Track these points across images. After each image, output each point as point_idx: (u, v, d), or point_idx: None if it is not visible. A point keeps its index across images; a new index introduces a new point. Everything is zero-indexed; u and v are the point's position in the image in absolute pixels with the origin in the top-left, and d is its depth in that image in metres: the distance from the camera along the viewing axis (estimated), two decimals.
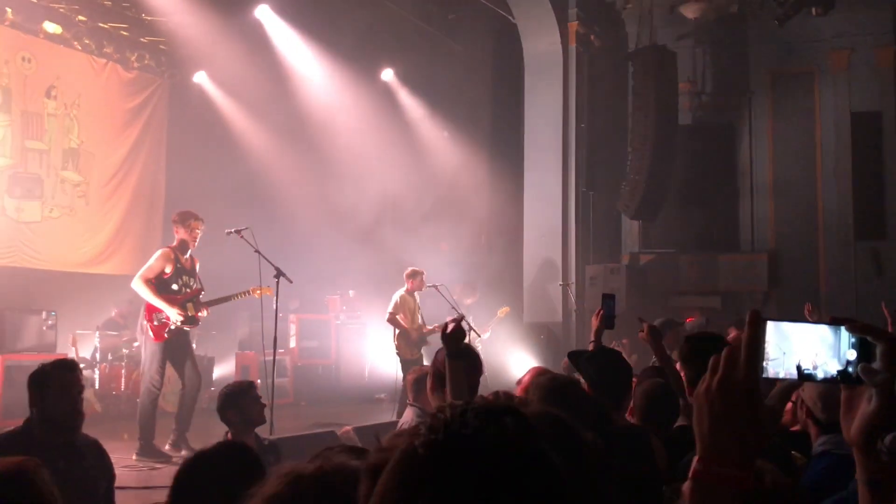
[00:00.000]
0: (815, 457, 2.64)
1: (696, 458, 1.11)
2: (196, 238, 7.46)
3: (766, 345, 1.15)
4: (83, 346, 10.12)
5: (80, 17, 11.31)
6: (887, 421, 1.14)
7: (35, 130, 11.06)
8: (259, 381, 9.58)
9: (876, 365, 1.13)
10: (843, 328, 1.17)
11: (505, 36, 13.44)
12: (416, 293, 9.34)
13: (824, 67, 13.18)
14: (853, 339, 1.16)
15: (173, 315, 7.21)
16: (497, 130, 14.10)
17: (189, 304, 7.37)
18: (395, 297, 9.28)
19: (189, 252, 7.52)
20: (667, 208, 12.82)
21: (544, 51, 12.51)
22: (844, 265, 12.69)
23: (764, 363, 1.15)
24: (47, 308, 9.47)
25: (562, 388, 3.39)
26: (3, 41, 10.63)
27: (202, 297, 7.54)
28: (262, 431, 4.95)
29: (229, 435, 4.47)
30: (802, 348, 1.17)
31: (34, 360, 6.13)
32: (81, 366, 8.94)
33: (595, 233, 12.98)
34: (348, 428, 6.51)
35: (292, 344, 12.02)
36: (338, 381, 12.32)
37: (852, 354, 1.16)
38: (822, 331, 1.18)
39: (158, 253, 7.47)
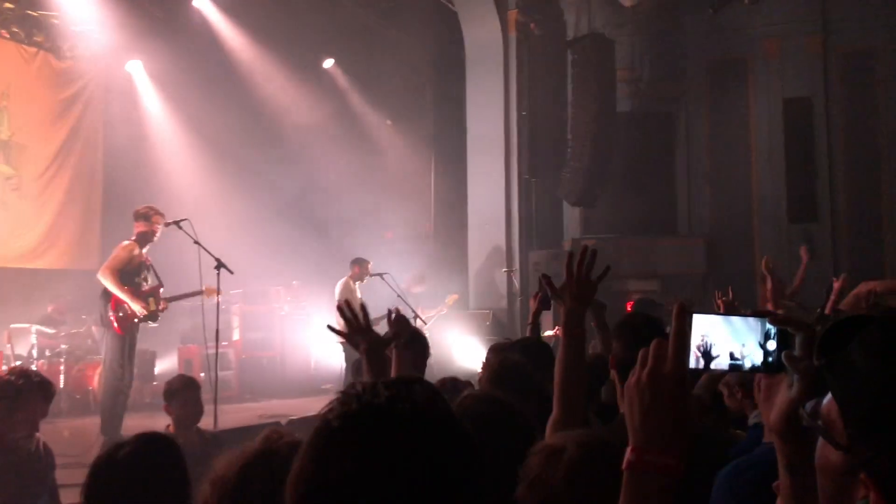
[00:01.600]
0: (751, 427, 2.77)
1: (628, 449, 1.15)
2: (157, 232, 7.38)
3: (707, 337, 1.21)
4: (19, 343, 9.87)
5: (8, 5, 10.93)
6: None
7: None
8: (202, 374, 9.49)
9: (796, 353, 1.20)
10: (765, 319, 1.23)
11: (446, 23, 13.45)
12: (359, 282, 9.33)
13: (757, 55, 13.52)
14: (774, 330, 1.22)
15: (137, 308, 7.13)
16: (440, 118, 14.13)
17: (151, 299, 7.31)
18: (339, 284, 9.25)
19: (147, 247, 7.42)
20: (607, 194, 13.02)
21: (485, 39, 12.56)
22: (778, 247, 13.05)
23: (704, 353, 1.21)
24: None
25: (508, 370, 3.46)
26: None
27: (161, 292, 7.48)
28: (207, 425, 4.94)
29: (170, 427, 4.47)
30: (728, 339, 1.22)
31: None
32: (18, 363, 8.77)
33: (538, 219, 13.13)
34: (295, 419, 6.50)
35: (236, 336, 11.89)
36: (283, 373, 12.22)
37: (772, 344, 1.22)
38: (746, 322, 1.23)
39: (123, 245, 7.33)
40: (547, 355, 3.70)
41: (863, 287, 2.50)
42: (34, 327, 9.97)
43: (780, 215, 13.12)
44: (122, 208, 9.48)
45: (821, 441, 1.08)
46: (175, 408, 4.51)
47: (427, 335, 9.12)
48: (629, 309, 8.46)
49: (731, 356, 1.22)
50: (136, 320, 7.20)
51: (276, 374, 12.17)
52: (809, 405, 1.13)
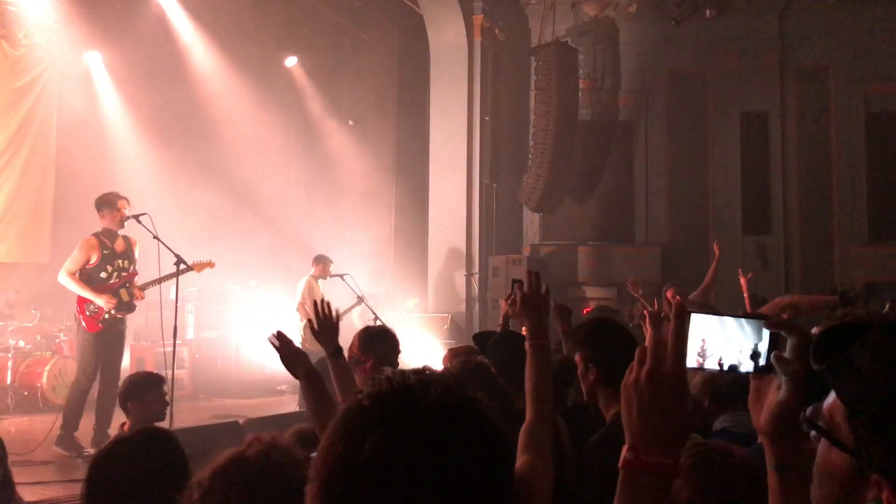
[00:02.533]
0: (715, 433, 2.80)
1: (625, 448, 1.15)
2: (124, 217, 7.11)
3: (702, 338, 1.22)
4: None
5: None
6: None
7: None
8: (160, 374, 9.30)
9: (787, 356, 1.21)
10: (758, 322, 1.25)
11: (411, 26, 13.45)
12: (321, 280, 9.26)
13: (716, 69, 13.76)
14: (766, 333, 1.24)
15: (103, 303, 6.96)
16: (403, 120, 14.11)
17: (121, 291, 7.12)
18: (302, 284, 9.17)
19: (119, 234, 7.22)
20: (566, 202, 13.15)
21: (449, 43, 12.59)
22: (732, 258, 13.29)
23: (699, 353, 1.22)
24: None
25: (472, 371, 3.45)
26: None
27: (137, 280, 7.27)
28: (162, 423, 4.83)
29: (126, 426, 4.36)
30: (724, 341, 1.24)
31: None
32: None
33: (498, 224, 13.19)
34: (255, 418, 6.42)
35: (190, 335, 11.70)
36: (238, 373, 12.06)
37: (763, 346, 1.23)
38: (741, 324, 1.25)
39: (81, 243, 7.12)
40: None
41: (780, 300, 2.65)
42: None
43: (734, 226, 13.37)
44: (75, 202, 9.30)
45: (823, 445, 1.09)
46: (138, 405, 4.38)
47: None
48: (584, 315, 8.56)
49: (726, 357, 1.23)
50: (107, 316, 7.03)
51: (231, 373, 12.00)
52: (808, 410, 1.15)
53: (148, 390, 4.48)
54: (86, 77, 12.21)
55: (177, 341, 8.58)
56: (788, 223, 13.36)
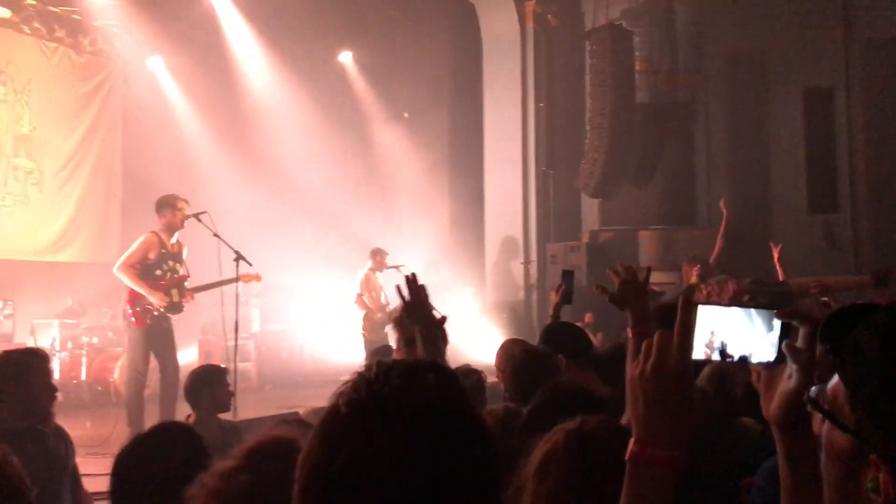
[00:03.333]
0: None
1: (632, 441, 1.15)
2: (183, 218, 7.28)
3: (710, 330, 1.21)
4: (42, 336, 9.98)
5: (30, 1, 11.05)
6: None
7: None
8: (224, 366, 9.56)
9: (799, 345, 1.20)
10: (768, 312, 1.23)
11: (463, 15, 13.43)
12: (378, 273, 9.36)
13: (777, 45, 13.38)
14: (777, 323, 1.22)
15: (156, 301, 7.10)
16: (457, 110, 14.12)
17: (173, 291, 7.24)
18: (360, 276, 9.29)
19: (176, 236, 7.39)
20: (625, 186, 12.97)
21: (502, 30, 12.54)
22: (798, 238, 12.95)
23: (709, 346, 1.21)
24: (4, 297, 9.33)
25: (533, 359, 3.46)
26: None
27: (188, 283, 7.41)
28: (226, 415, 4.97)
29: (191, 418, 4.49)
30: (734, 331, 1.23)
31: None
32: None
33: (555, 211, 13.10)
34: (311, 409, 6.52)
35: (256, 328, 11.97)
36: (302, 365, 12.31)
37: (774, 337, 1.22)
38: (752, 314, 1.23)
39: (141, 238, 7.29)
40: (574, 338, 3.68)
41: (807, 280, 2.62)
42: (56, 321, 10.09)
43: (799, 205, 13.01)
44: (142, 202, 9.55)
45: (827, 426, 1.09)
46: (203, 398, 4.51)
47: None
48: None
49: (735, 349, 1.22)
50: (155, 313, 7.19)
51: (296, 365, 12.26)
52: (813, 390, 1.13)
53: (212, 382, 4.59)
54: (148, 80, 12.56)
55: (243, 335, 8.83)
56: (856, 201, 12.94)
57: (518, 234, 12.23)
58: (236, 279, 7.32)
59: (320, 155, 13.07)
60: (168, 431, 2.46)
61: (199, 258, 7.63)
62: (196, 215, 7.25)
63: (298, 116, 13.04)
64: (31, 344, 9.06)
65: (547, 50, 12.99)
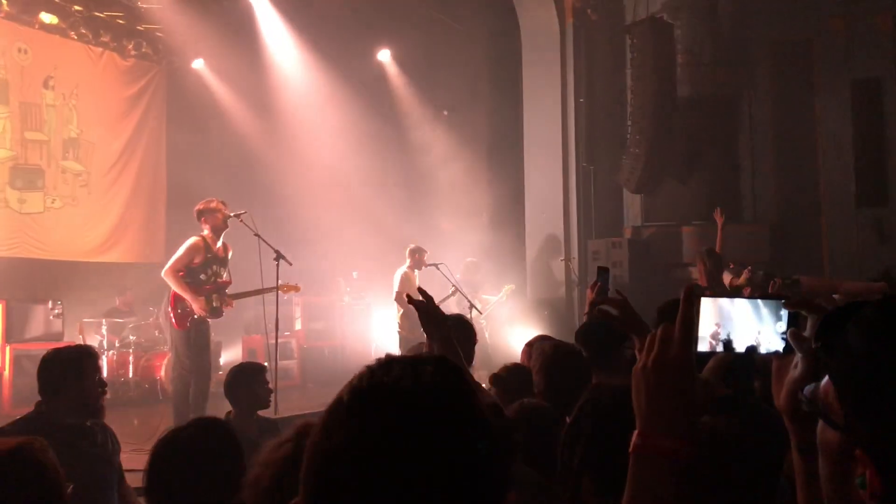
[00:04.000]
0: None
1: (635, 433, 1.16)
2: (225, 218, 7.38)
3: (715, 322, 1.20)
4: (90, 335, 10.21)
5: (76, 7, 11.30)
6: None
7: (34, 121, 11.10)
8: (266, 363, 9.68)
9: (807, 335, 1.19)
10: (777, 302, 1.22)
11: (501, 12, 13.38)
12: (417, 271, 9.39)
13: (823, 35, 13.09)
14: (785, 313, 1.21)
15: (196, 307, 7.24)
16: (496, 107, 14.08)
17: (214, 296, 7.37)
18: (399, 274, 9.33)
19: (222, 239, 7.50)
20: (668, 181, 12.81)
21: (541, 26, 12.47)
22: (846, 233, 12.67)
23: (710, 337, 1.20)
24: (53, 297, 9.55)
25: (564, 355, 3.44)
26: (0, 33, 10.64)
27: (230, 289, 7.52)
28: (266, 412, 5.02)
29: (231, 414, 4.55)
30: (742, 323, 1.22)
31: (42, 349, 6.20)
32: None
33: (596, 207, 12.98)
34: None
35: (298, 326, 12.10)
36: (344, 362, 12.39)
37: (782, 327, 1.21)
38: (759, 305, 1.22)
39: (188, 243, 7.41)
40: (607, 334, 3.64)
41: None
42: (104, 320, 10.30)
43: (847, 199, 12.72)
44: (186, 203, 9.70)
45: (821, 423, 1.11)
46: (242, 394, 4.57)
47: (483, 324, 9.12)
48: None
49: (741, 340, 1.22)
50: (195, 316, 7.29)
51: (337, 362, 12.35)
52: (808, 389, 1.14)
53: (250, 379, 4.65)
54: (191, 83, 12.76)
55: (285, 332, 8.92)
56: None
57: (559, 230, 12.16)
58: (276, 288, 7.42)
59: (360, 153, 13.14)
60: (203, 427, 2.48)
61: (240, 257, 7.72)
62: (237, 215, 7.35)
63: (338, 116, 13.14)
64: (79, 342, 9.26)
65: (587, 45, 12.88)
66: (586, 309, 4.23)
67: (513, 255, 12.62)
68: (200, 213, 7.45)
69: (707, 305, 1.20)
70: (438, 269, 9.24)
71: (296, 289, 7.75)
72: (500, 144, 13.50)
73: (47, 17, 11.03)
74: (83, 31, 11.55)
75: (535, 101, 12.48)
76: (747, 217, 13.51)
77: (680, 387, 1.14)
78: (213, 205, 7.42)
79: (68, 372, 3.61)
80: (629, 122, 12.39)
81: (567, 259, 11.96)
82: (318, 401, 9.45)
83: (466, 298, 9.12)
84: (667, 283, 10.27)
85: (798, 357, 1.21)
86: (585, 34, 12.86)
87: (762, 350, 1.23)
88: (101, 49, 11.87)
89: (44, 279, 10.56)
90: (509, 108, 13.23)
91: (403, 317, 9.23)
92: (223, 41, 11.79)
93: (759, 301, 1.23)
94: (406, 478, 0.91)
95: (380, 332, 12.41)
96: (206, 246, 7.39)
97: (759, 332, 1.22)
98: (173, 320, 7.34)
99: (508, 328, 11.17)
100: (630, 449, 1.15)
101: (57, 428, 3.41)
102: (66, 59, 11.49)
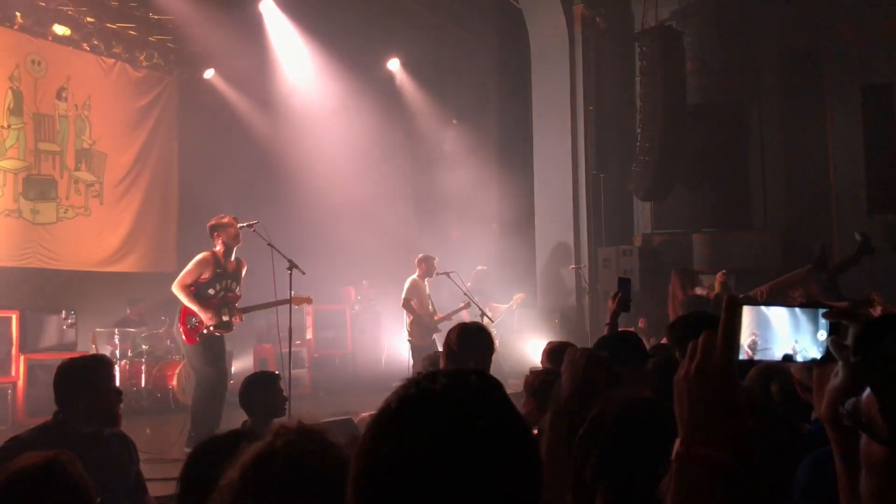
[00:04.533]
0: (814, 420, 2.69)
1: (677, 441, 1.16)
2: (237, 234, 7.40)
3: (753, 331, 1.20)
4: (102, 345, 10.25)
5: (89, 19, 11.39)
6: (853, 395, 1.17)
7: (47, 132, 11.18)
8: (277, 372, 9.69)
9: (847, 343, 1.18)
10: (818, 311, 1.22)
11: (510, 20, 13.42)
12: (427, 279, 9.41)
13: (833, 41, 13.08)
14: (825, 322, 1.21)
15: (206, 319, 7.25)
16: (505, 116, 14.11)
17: (224, 309, 7.38)
18: (408, 282, 9.36)
19: (234, 255, 7.51)
20: (678, 188, 12.80)
21: (550, 34, 12.49)
22: (858, 240, 12.62)
23: (748, 346, 1.20)
24: (66, 307, 9.59)
25: (594, 365, 3.44)
26: (13, 44, 10.73)
27: (239, 303, 7.53)
28: (279, 421, 5.03)
29: (248, 423, 4.55)
30: (781, 331, 1.22)
31: (56, 359, 6.23)
32: None
33: (607, 215, 12.98)
34: (365, 415, 6.57)
35: (308, 335, 12.11)
36: (355, 371, 12.41)
37: (823, 335, 1.21)
38: (798, 314, 1.22)
39: (198, 257, 7.42)
40: (631, 346, 3.64)
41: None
42: (116, 330, 10.34)
43: (859, 206, 12.67)
44: (198, 213, 9.77)
45: (864, 437, 1.09)
46: (257, 403, 4.58)
47: (494, 332, 9.11)
48: None
49: (782, 348, 1.22)
50: (205, 331, 7.31)
51: (348, 371, 12.36)
52: (850, 403, 1.13)
53: (264, 388, 4.67)
54: (203, 93, 12.84)
55: (296, 341, 8.93)
56: None
57: (569, 238, 12.16)
58: (288, 301, 7.43)
59: (369, 162, 13.18)
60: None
61: (254, 267, 7.75)
62: (249, 225, 7.37)
63: (348, 125, 13.19)
64: (92, 352, 9.30)
65: (596, 53, 12.90)
66: (608, 319, 4.22)
67: (523, 263, 12.62)
68: (213, 229, 7.48)
69: (747, 314, 1.20)
70: (450, 277, 9.25)
71: (308, 301, 7.78)
72: (510, 153, 13.52)
73: (60, 29, 11.12)
74: (96, 42, 11.64)
75: (545, 110, 12.50)
76: (757, 224, 13.49)
77: (722, 395, 1.13)
78: (225, 220, 7.44)
79: (83, 381, 3.62)
80: (639, 130, 12.40)
81: (578, 267, 11.95)
82: (329, 409, 9.45)
83: (478, 307, 9.12)
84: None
85: (839, 365, 1.20)
86: (594, 42, 12.89)
87: (799, 358, 1.23)
88: (113, 60, 11.95)
89: (56, 289, 10.62)
90: (519, 117, 13.25)
91: (413, 324, 9.25)
92: (234, 52, 11.86)
93: (797, 309, 1.23)
94: (457, 484, 0.93)
95: (390, 341, 12.42)
96: (215, 261, 7.39)
97: (795, 341, 1.22)
98: (183, 336, 7.37)
99: (518, 336, 11.16)
100: (672, 456, 1.15)
101: (72, 437, 3.42)
102: (78, 70, 11.57)
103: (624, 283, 4.28)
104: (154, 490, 4.46)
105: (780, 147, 13.41)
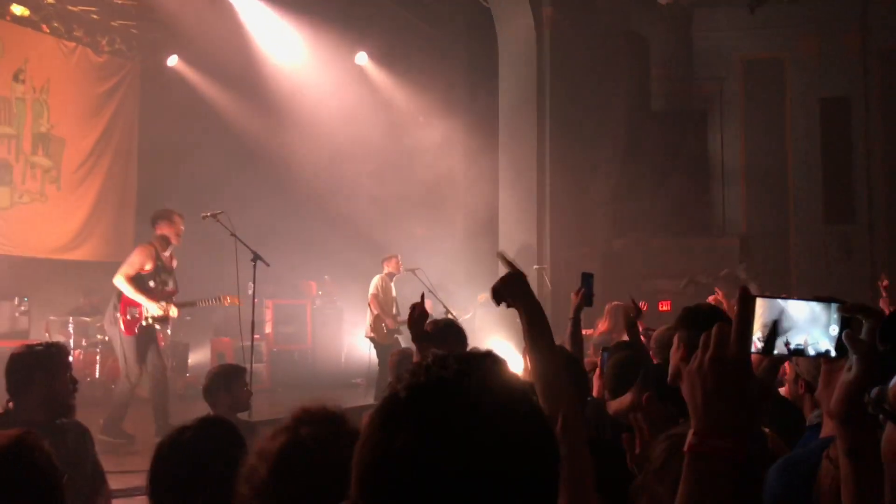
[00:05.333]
0: (811, 427, 2.70)
1: (690, 432, 1.15)
2: (180, 233, 7.43)
3: (764, 323, 1.20)
4: (56, 334, 10.02)
5: (49, 0, 11.12)
6: (866, 389, 1.18)
7: (3, 115, 10.89)
8: (241, 366, 9.57)
9: (862, 337, 1.18)
10: (831, 305, 1.22)
11: (479, 20, 13.41)
12: (393, 280, 9.39)
13: (794, 53, 13.34)
14: (838, 316, 1.21)
15: (153, 309, 7.19)
16: (472, 115, 14.09)
17: (163, 303, 7.38)
18: (375, 280, 9.33)
19: (170, 250, 7.47)
20: (639, 193, 12.94)
21: (518, 35, 12.51)
22: (814, 249, 12.90)
23: (761, 338, 1.20)
24: (19, 294, 9.36)
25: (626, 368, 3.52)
26: None
27: (174, 298, 7.54)
28: (241, 415, 4.96)
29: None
30: (793, 325, 1.21)
31: (7, 347, 6.06)
32: None
33: (570, 218, 13.05)
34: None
35: (268, 329, 11.98)
36: (314, 367, 12.30)
37: (835, 330, 1.21)
38: (811, 307, 1.22)
39: (139, 249, 7.40)
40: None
41: None
42: (71, 318, 10.12)
43: (815, 216, 12.96)
44: (157, 203, 9.61)
45: (889, 429, 1.08)
46: (222, 397, 4.51)
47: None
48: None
49: (794, 341, 1.21)
50: (144, 323, 7.25)
51: (307, 367, 12.25)
52: (874, 391, 1.12)
53: (230, 382, 4.60)
54: (166, 81, 12.61)
55: (255, 336, 8.83)
56: (874, 211, 12.88)
57: (532, 240, 12.19)
58: (217, 298, 7.48)
59: (335, 156, 13.07)
60: (208, 425, 2.44)
61: (216, 258, 7.67)
62: (213, 214, 7.28)
63: (317, 118, 13.05)
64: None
65: (563, 55, 12.95)
66: (571, 314, 4.23)
67: (487, 264, 12.62)
68: (160, 218, 7.45)
69: (760, 306, 1.20)
70: (416, 273, 9.23)
71: (236, 301, 7.69)
72: (476, 151, 13.51)
73: (18, 9, 10.83)
74: (56, 24, 11.37)
75: (511, 110, 12.51)
76: (716, 230, 13.70)
77: (736, 386, 1.12)
78: (173, 217, 7.47)
79: (39, 369, 3.53)
80: (603, 134, 12.51)
81: (541, 267, 12.00)
82: (288, 405, 9.35)
83: (443, 304, 9.12)
84: (637, 294, 10.30)
85: (852, 360, 1.19)
86: (562, 45, 12.94)
87: (810, 352, 1.22)
88: (73, 44, 11.69)
89: (9, 276, 10.34)
90: (485, 116, 13.24)
91: (376, 321, 9.21)
92: (201, 38, 11.66)
93: (813, 303, 1.23)
94: (477, 473, 0.89)
95: (351, 337, 12.35)
96: (156, 254, 7.39)
97: (808, 334, 1.22)
98: (122, 327, 7.26)
99: (480, 335, 11.17)
100: (685, 448, 1.14)
101: (25, 426, 3.32)
102: (37, 52, 11.28)
103: (587, 278, 4.31)
104: (110, 483, 4.38)
105: (741, 155, 13.65)
